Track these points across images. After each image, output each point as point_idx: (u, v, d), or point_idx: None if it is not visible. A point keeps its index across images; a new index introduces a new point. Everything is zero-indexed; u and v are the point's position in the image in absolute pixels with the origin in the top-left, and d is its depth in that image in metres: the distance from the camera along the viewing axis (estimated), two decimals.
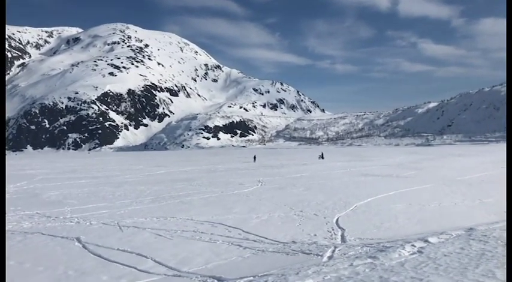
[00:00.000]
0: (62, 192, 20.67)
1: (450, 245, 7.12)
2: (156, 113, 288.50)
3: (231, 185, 22.14)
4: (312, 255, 7.99)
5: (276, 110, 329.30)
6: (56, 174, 35.21)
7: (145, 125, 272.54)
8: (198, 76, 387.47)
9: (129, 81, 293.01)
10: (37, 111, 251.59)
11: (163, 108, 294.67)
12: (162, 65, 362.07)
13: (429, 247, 7.14)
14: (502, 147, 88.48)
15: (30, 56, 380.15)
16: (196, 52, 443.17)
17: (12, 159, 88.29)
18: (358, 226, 10.91)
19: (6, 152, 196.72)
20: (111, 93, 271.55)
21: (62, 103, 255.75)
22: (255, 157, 55.14)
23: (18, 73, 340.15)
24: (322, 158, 53.22)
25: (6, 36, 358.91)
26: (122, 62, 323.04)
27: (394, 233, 9.91)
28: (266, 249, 8.80)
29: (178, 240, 9.85)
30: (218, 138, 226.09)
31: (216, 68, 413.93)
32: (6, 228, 11.33)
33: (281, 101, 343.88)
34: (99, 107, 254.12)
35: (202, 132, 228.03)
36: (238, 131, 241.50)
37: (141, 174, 32.38)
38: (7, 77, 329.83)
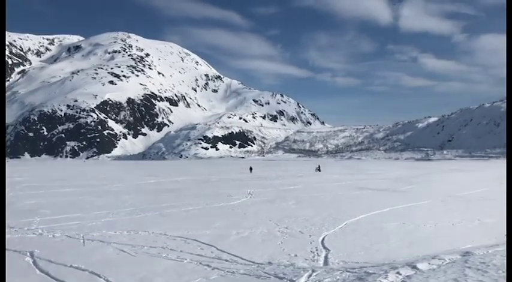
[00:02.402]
0: (40, 201, 19.64)
1: (442, 274, 6.06)
2: (155, 122, 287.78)
3: (219, 197, 21.11)
4: (284, 280, 6.97)
5: (276, 121, 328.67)
6: (42, 182, 34.18)
7: (144, 134, 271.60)
8: (198, 86, 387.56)
9: (129, 90, 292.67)
10: (36, 119, 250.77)
11: (163, 118, 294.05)
12: (163, 75, 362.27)
13: (416, 276, 6.07)
14: (503, 163, 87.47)
15: (30, 63, 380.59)
16: (197, 62, 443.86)
17: None
18: (345, 247, 9.90)
19: None
20: (110, 102, 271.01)
21: (61, 111, 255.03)
22: (251, 168, 54.15)
23: (18, 80, 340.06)
24: (319, 170, 52.24)
25: (7, 43, 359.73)
26: (122, 71, 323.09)
27: (384, 257, 8.90)
28: (237, 271, 7.80)
29: (142, 258, 8.84)
30: (217, 149, 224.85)
31: (216, 78, 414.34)
32: None
33: (281, 113, 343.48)
34: (98, 115, 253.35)
35: (201, 142, 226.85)
36: (238, 142, 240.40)
37: (130, 184, 31.36)
38: (7, 84, 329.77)
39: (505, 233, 6.66)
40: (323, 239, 10.89)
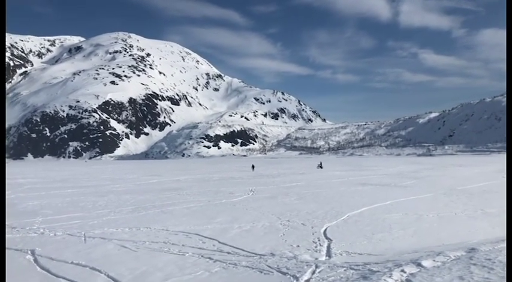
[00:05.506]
0: (42, 202, 19.59)
1: (447, 272, 5.97)
2: (157, 121, 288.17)
3: (221, 194, 21.08)
4: (287, 276, 6.88)
5: (277, 119, 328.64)
6: (44, 183, 34.18)
7: (146, 134, 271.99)
8: (199, 85, 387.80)
9: (131, 90, 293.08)
10: (38, 120, 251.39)
11: (165, 117, 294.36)
12: (164, 74, 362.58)
13: (421, 274, 5.97)
14: (504, 157, 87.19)
15: (32, 65, 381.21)
16: (198, 61, 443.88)
17: (8, 167, 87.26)
18: (348, 237, 9.86)
19: (6, 160, 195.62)
20: (112, 102, 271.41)
21: (63, 111, 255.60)
22: (253, 166, 54.15)
23: (20, 81, 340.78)
24: (321, 167, 52.16)
25: (9, 45, 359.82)
26: (123, 71, 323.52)
27: (387, 246, 8.86)
28: (239, 263, 7.75)
29: (142, 253, 8.81)
30: (219, 147, 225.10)
31: (217, 77, 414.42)
32: None
33: (282, 110, 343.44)
34: (100, 115, 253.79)
35: (203, 141, 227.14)
36: (239, 140, 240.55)
37: (132, 184, 31.32)
38: (9, 85, 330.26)
39: (506, 234, 6.57)
40: (325, 230, 10.87)
